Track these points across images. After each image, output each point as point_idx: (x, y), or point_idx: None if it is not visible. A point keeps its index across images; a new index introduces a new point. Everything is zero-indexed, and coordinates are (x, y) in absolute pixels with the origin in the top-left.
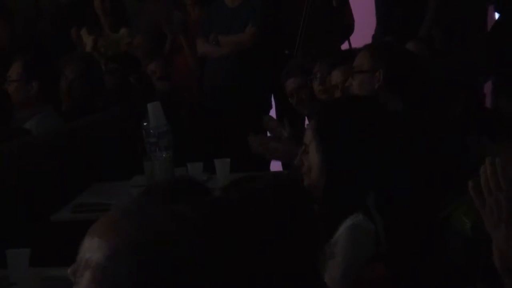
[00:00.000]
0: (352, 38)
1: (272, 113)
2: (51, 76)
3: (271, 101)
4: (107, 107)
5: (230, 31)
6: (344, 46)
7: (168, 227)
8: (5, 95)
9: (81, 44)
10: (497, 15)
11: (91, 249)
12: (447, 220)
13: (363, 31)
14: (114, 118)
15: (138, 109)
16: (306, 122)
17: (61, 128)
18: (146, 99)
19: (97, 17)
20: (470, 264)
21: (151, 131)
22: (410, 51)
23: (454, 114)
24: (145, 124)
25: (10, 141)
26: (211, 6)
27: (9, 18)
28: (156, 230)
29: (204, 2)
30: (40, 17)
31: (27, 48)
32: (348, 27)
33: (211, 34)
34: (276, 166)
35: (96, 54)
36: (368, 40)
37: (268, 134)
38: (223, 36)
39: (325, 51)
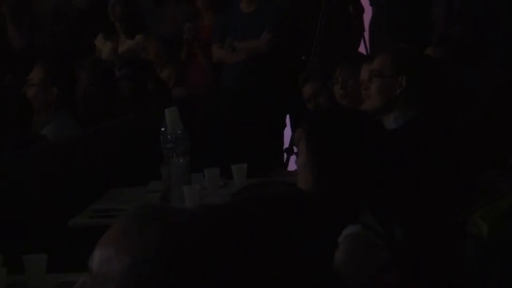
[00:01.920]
0: None
1: (287, 119)
2: (70, 82)
3: (287, 107)
4: (124, 112)
5: (246, 36)
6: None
7: (184, 233)
8: (27, 101)
9: (98, 50)
10: None
11: (108, 261)
12: (464, 225)
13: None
14: (131, 123)
15: (155, 115)
16: None
17: (78, 134)
18: (163, 105)
19: (113, 24)
20: (486, 269)
21: (168, 136)
22: (433, 58)
23: (471, 121)
24: (162, 129)
25: (27, 148)
26: (226, 11)
27: (28, 23)
28: (174, 236)
29: (218, 8)
30: (57, 22)
31: (46, 53)
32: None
33: (226, 40)
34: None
35: (116, 59)
36: None
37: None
38: (238, 42)
39: (346, 54)
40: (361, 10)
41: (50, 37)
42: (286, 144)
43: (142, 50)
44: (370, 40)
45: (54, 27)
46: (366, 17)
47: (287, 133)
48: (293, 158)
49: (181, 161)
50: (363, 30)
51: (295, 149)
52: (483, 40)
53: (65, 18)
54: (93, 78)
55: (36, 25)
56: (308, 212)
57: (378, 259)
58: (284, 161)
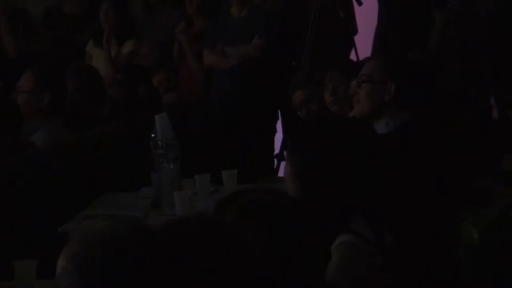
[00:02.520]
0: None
1: (278, 125)
2: (61, 88)
3: (278, 113)
4: (115, 118)
5: (237, 42)
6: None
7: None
8: (17, 106)
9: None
10: None
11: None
12: (456, 231)
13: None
14: (121, 129)
15: (145, 121)
16: None
17: (69, 139)
18: (154, 111)
19: (103, 30)
20: (478, 275)
21: (159, 142)
22: (422, 63)
23: (462, 125)
24: (152, 135)
25: (16, 154)
26: (216, 16)
27: (17, 29)
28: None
29: (208, 13)
30: (48, 28)
31: (36, 59)
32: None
33: (217, 45)
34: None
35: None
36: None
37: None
38: (229, 47)
39: (336, 61)
40: (352, 15)
41: (41, 43)
42: (277, 150)
43: (134, 56)
44: (374, 41)
45: (45, 33)
46: (357, 21)
47: (278, 139)
48: (283, 164)
49: (171, 167)
50: (355, 34)
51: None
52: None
53: (56, 24)
54: (78, 83)
55: (29, 31)
56: (290, 220)
57: (370, 266)
58: (275, 167)
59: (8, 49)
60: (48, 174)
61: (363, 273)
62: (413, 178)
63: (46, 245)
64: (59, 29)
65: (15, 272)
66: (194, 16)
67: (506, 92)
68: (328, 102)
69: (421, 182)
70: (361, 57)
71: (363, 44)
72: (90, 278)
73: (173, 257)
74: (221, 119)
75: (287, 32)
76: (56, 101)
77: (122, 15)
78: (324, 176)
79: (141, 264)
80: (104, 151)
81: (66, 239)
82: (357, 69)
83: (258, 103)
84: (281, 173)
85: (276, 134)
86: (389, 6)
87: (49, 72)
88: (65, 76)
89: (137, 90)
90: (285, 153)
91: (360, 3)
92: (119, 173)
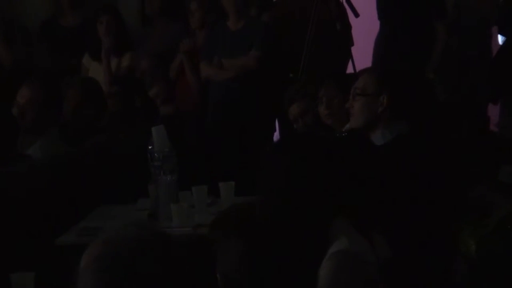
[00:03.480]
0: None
1: (276, 136)
2: (58, 101)
3: (275, 125)
4: (112, 130)
5: (234, 54)
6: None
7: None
8: (13, 119)
9: (83, 69)
10: (500, 38)
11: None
12: (453, 242)
13: (363, 49)
14: (118, 141)
15: (142, 133)
16: None
17: (66, 152)
18: (151, 123)
19: (101, 43)
20: (475, 286)
21: (156, 154)
22: (415, 75)
23: (458, 137)
24: (149, 147)
25: (12, 166)
26: (213, 29)
27: (13, 40)
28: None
29: (207, 25)
30: (43, 40)
31: (34, 71)
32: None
33: (214, 57)
34: None
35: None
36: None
37: None
38: (226, 60)
39: (329, 74)
40: (349, 27)
41: (38, 55)
42: None
43: (131, 68)
44: (374, 54)
45: (42, 46)
46: (354, 33)
47: None
48: None
49: (168, 179)
50: (351, 45)
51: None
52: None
53: (52, 36)
54: (82, 95)
55: (25, 43)
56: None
57: (366, 275)
58: None
59: (3, 61)
60: (44, 186)
61: (358, 284)
62: (410, 189)
63: (43, 257)
64: (55, 41)
65: (12, 284)
66: (197, 30)
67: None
68: (323, 116)
69: (418, 193)
70: (358, 69)
71: (360, 55)
72: (112, 280)
73: (191, 265)
74: (218, 130)
75: (283, 43)
76: (52, 113)
77: (121, 28)
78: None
79: (162, 270)
80: (101, 163)
81: (62, 251)
82: (354, 81)
83: (255, 115)
84: None
85: None
86: (390, 18)
87: (48, 85)
88: (66, 87)
89: (134, 102)
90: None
91: (357, 15)
92: (116, 185)
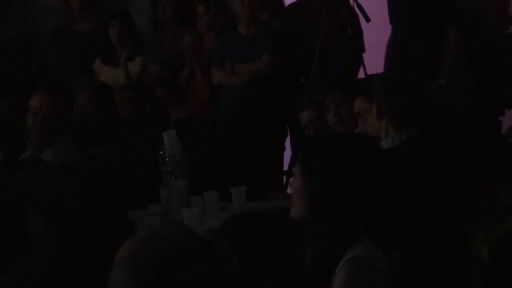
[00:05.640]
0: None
1: (287, 141)
2: (71, 106)
3: (286, 130)
4: (123, 135)
5: (245, 59)
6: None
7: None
8: (22, 124)
9: (95, 74)
10: None
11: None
12: (465, 248)
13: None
14: (129, 146)
15: (153, 138)
16: None
17: (76, 157)
18: (161, 128)
19: (113, 47)
20: None
21: (167, 159)
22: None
23: (470, 142)
24: (160, 152)
25: (25, 171)
26: (224, 34)
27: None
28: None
29: (219, 31)
30: (55, 46)
31: (46, 78)
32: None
33: (226, 63)
34: None
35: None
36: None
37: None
38: (239, 65)
39: (336, 82)
40: (360, 32)
41: (49, 62)
42: (286, 166)
43: (142, 74)
44: (386, 58)
45: (53, 52)
46: (365, 38)
47: (287, 155)
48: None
49: (180, 184)
50: (363, 51)
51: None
52: None
53: (64, 42)
54: (91, 96)
55: (37, 49)
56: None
57: (379, 282)
58: (284, 183)
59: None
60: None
61: None
62: (422, 194)
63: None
64: (67, 47)
65: None
66: (205, 34)
67: None
68: (331, 124)
69: (430, 198)
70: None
71: (371, 60)
72: (144, 278)
73: (228, 270)
74: (229, 135)
75: (295, 48)
76: (65, 119)
77: (133, 33)
78: (333, 194)
79: (194, 273)
80: (113, 168)
81: None
82: (365, 86)
83: (267, 120)
84: (290, 190)
85: (285, 150)
86: (402, 23)
87: (59, 92)
88: (75, 89)
89: (144, 107)
90: (293, 169)
91: (368, 20)
92: (127, 190)
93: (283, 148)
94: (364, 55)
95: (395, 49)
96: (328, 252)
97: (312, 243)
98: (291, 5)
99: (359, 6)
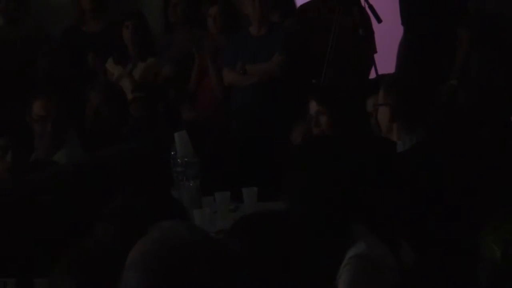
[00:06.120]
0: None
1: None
2: (79, 108)
3: None
4: (134, 135)
5: (257, 60)
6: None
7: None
8: (28, 127)
9: (108, 74)
10: None
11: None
12: (476, 248)
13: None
14: (141, 146)
15: (165, 138)
16: None
17: (89, 158)
18: (173, 128)
19: (125, 48)
20: None
21: (178, 160)
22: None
23: (481, 142)
24: (172, 153)
25: (37, 173)
26: (235, 35)
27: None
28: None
29: (231, 31)
30: (65, 47)
31: (55, 80)
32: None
33: (237, 63)
34: None
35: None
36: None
37: None
38: (250, 65)
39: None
40: (371, 32)
41: (59, 63)
42: None
43: (153, 73)
44: (397, 59)
45: (63, 53)
46: (376, 38)
47: None
48: None
49: (191, 184)
50: (374, 52)
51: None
52: None
53: (74, 43)
54: (104, 97)
55: (48, 51)
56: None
57: (385, 278)
58: None
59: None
60: (67, 191)
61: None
62: (433, 194)
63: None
64: (78, 47)
65: None
66: (218, 35)
67: None
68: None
69: (441, 198)
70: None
71: (383, 61)
72: (155, 279)
73: (240, 271)
74: (241, 136)
75: (306, 49)
76: (73, 120)
77: (146, 33)
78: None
79: (206, 274)
80: (124, 169)
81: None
82: (375, 87)
83: (278, 120)
84: None
85: None
86: (414, 24)
87: (66, 94)
88: (88, 90)
89: (156, 108)
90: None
91: (379, 20)
92: (139, 190)
93: None
94: (375, 55)
95: (407, 50)
96: (330, 251)
97: (315, 243)
98: (303, 5)
99: (371, 7)
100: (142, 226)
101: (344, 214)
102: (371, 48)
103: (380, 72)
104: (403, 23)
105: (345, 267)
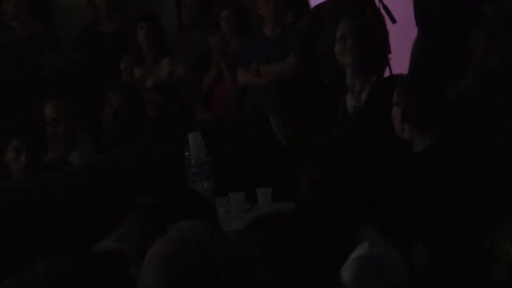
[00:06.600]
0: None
1: None
2: (94, 110)
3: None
4: (148, 136)
5: (271, 60)
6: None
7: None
8: (40, 129)
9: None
10: None
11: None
12: (491, 249)
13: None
14: (155, 147)
15: (179, 139)
16: None
17: (103, 158)
18: (187, 128)
19: (140, 48)
20: None
21: (192, 161)
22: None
23: (496, 142)
24: (186, 154)
25: (52, 173)
26: (249, 36)
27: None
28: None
29: (243, 32)
30: (80, 47)
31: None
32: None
33: (251, 64)
34: None
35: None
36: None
37: None
38: (264, 66)
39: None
40: (386, 32)
41: (73, 63)
42: None
43: (169, 75)
44: (411, 60)
45: (78, 53)
46: (391, 39)
47: None
48: None
49: (205, 185)
50: (388, 52)
51: None
52: None
53: (91, 43)
54: (124, 100)
55: (60, 50)
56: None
57: (389, 278)
58: None
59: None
60: (80, 192)
61: (381, 287)
62: (446, 195)
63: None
64: (94, 48)
65: None
66: (230, 36)
67: None
68: None
69: (455, 200)
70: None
71: (397, 61)
72: (173, 279)
73: (254, 271)
74: (254, 137)
75: (320, 50)
76: (84, 119)
77: (160, 34)
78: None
79: (224, 275)
80: (138, 169)
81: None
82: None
83: (292, 121)
84: None
85: None
86: (428, 24)
87: (77, 95)
88: (107, 92)
89: (170, 108)
90: None
91: (394, 21)
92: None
93: None
94: (390, 56)
95: (421, 51)
96: (334, 250)
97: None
98: (317, 6)
99: (385, 7)
100: (169, 223)
101: (358, 215)
102: (385, 49)
103: (394, 72)
104: (417, 24)
105: (348, 267)
